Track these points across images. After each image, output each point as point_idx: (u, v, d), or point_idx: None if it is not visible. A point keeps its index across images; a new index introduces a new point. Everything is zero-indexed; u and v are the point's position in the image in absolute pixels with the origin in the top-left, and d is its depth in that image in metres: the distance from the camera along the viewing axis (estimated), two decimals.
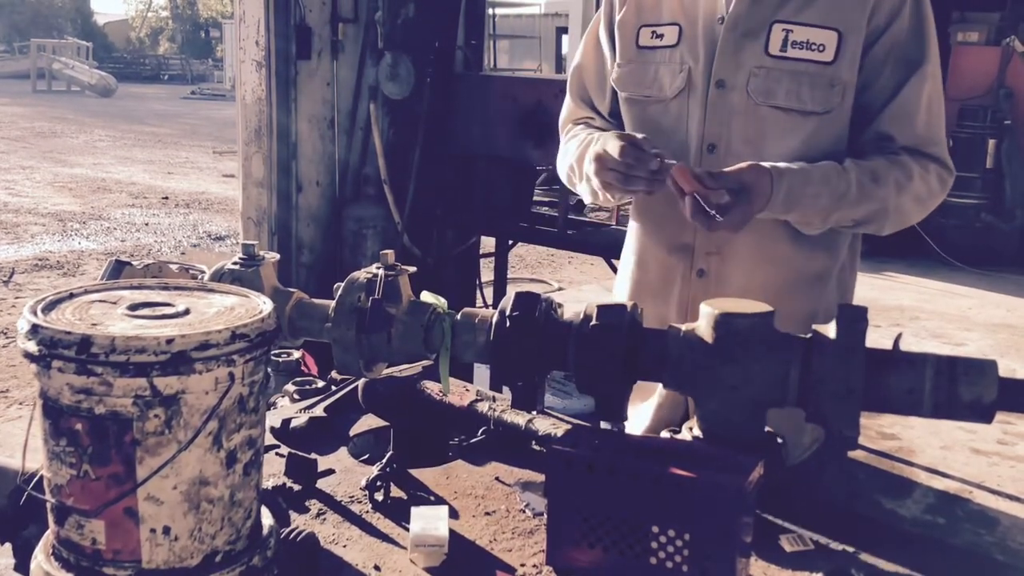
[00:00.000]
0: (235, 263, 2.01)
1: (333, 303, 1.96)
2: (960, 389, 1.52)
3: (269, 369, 3.00)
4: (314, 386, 2.38)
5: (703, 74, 1.76)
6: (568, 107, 2.07)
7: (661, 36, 1.82)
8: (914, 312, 5.00)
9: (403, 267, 2.01)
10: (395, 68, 4.67)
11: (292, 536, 1.35)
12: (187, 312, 1.08)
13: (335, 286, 2.01)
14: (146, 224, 7.88)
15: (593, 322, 1.71)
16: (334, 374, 2.40)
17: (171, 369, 0.98)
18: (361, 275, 1.97)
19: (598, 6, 2.04)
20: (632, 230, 2.03)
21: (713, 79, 1.75)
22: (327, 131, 4.85)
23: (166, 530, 1.01)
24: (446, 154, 4.74)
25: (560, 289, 4.91)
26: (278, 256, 2.12)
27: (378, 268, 1.98)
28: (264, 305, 1.12)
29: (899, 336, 1.60)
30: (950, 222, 6.81)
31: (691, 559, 1.40)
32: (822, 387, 1.53)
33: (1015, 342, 4.65)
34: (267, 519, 1.16)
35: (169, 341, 0.98)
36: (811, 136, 1.73)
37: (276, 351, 3.02)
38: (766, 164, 1.62)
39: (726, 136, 1.77)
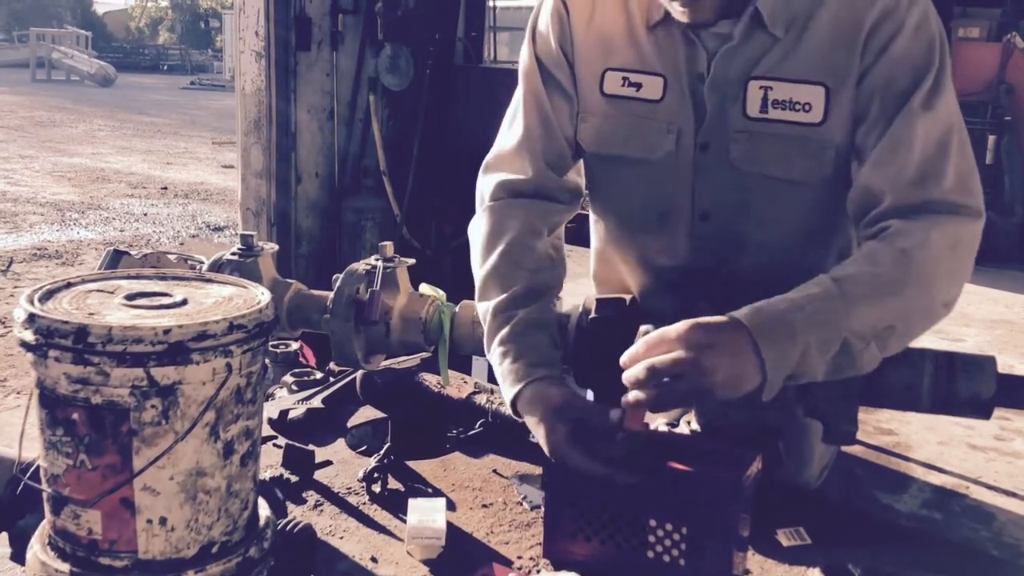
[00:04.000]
0: (234, 253, 2.01)
1: (332, 294, 1.96)
2: (958, 385, 1.52)
3: (267, 360, 3.01)
4: (312, 377, 2.38)
5: (690, 136, 1.55)
6: (508, 162, 1.69)
7: (639, 86, 1.56)
8: None
9: (402, 259, 2.01)
10: (395, 59, 4.66)
11: (289, 528, 1.35)
12: (185, 302, 1.08)
13: (334, 277, 2.01)
14: (145, 214, 7.87)
15: (592, 315, 1.71)
16: (332, 365, 2.40)
17: (168, 359, 0.98)
18: (360, 267, 1.97)
19: None
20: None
21: (698, 142, 1.55)
22: (326, 122, 4.84)
23: (163, 520, 1.01)
24: (445, 146, 4.74)
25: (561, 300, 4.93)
26: (277, 247, 2.12)
27: (377, 260, 1.98)
28: (262, 296, 1.12)
29: None
30: None
31: (688, 553, 1.40)
32: (821, 382, 1.53)
33: (1013, 338, 4.65)
34: (264, 510, 1.16)
35: (167, 331, 0.98)
36: (812, 206, 1.55)
37: (274, 342, 3.02)
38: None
39: (720, 204, 1.58)
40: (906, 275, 1.33)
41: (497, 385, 1.61)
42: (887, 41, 1.40)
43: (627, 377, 1.28)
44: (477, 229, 1.66)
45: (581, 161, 1.74)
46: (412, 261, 1.99)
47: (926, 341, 1.56)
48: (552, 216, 1.68)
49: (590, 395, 1.82)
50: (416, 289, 1.89)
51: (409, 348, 1.99)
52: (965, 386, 1.52)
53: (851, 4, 1.42)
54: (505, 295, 1.54)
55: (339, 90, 4.81)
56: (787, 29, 1.45)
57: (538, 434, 1.41)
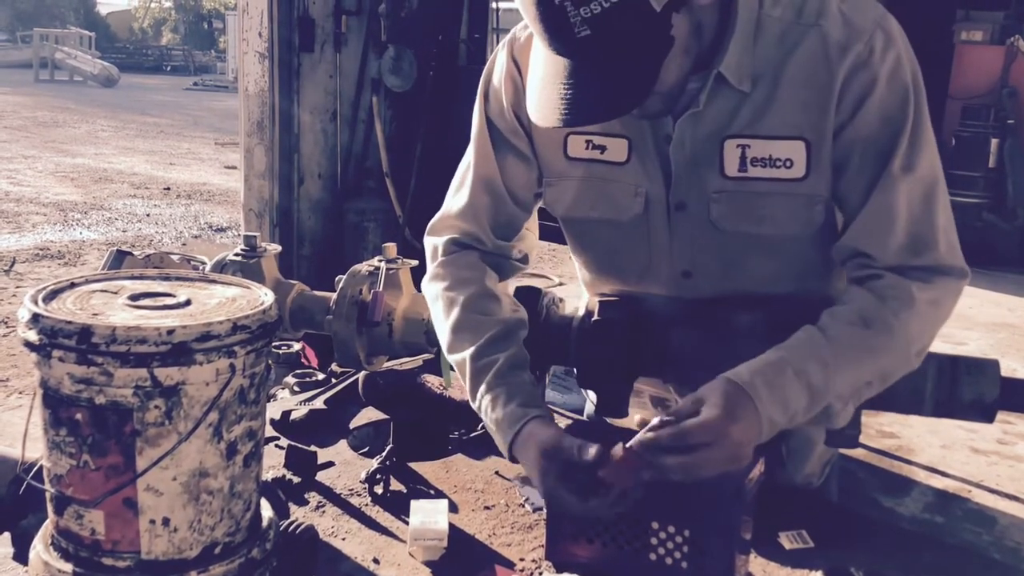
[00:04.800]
0: (237, 254, 2.01)
1: (334, 295, 1.96)
2: (962, 388, 1.52)
3: (270, 360, 3.01)
4: (314, 378, 2.38)
5: (662, 197, 1.50)
6: (455, 226, 1.65)
7: (603, 148, 1.51)
8: None
9: (404, 260, 2.01)
10: (398, 61, 4.66)
11: (291, 529, 1.35)
12: (188, 303, 1.08)
13: (336, 279, 2.01)
14: (147, 215, 7.88)
15: (595, 317, 1.71)
16: (334, 367, 2.40)
17: (172, 360, 0.98)
18: (363, 268, 1.97)
19: None
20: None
21: (672, 202, 1.50)
22: (329, 123, 4.84)
23: (165, 521, 1.01)
24: (448, 147, 4.74)
25: (561, 284, 4.91)
26: (280, 248, 2.12)
27: (380, 261, 1.98)
28: (265, 297, 1.12)
29: None
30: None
31: (690, 555, 1.40)
32: None
33: (1015, 341, 4.64)
34: (267, 511, 1.16)
35: (170, 332, 0.98)
36: (797, 257, 1.52)
37: (277, 343, 3.02)
38: (724, 379, 1.30)
39: (700, 261, 1.56)
40: (892, 338, 1.36)
41: None
42: (863, 94, 1.36)
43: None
44: (435, 284, 1.62)
45: (535, 215, 1.71)
46: (415, 263, 1.99)
47: (932, 346, 1.56)
48: (504, 269, 1.67)
49: (592, 396, 1.82)
50: (419, 290, 1.89)
51: (411, 349, 1.99)
52: (968, 390, 1.52)
53: (823, 54, 1.36)
54: (480, 342, 1.50)
55: (342, 91, 4.81)
56: (754, 83, 1.39)
57: (532, 475, 1.38)
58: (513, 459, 1.42)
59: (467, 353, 1.49)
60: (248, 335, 1.03)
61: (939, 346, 1.63)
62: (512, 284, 1.76)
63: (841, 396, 1.35)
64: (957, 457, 3.14)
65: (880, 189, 1.38)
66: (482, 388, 1.46)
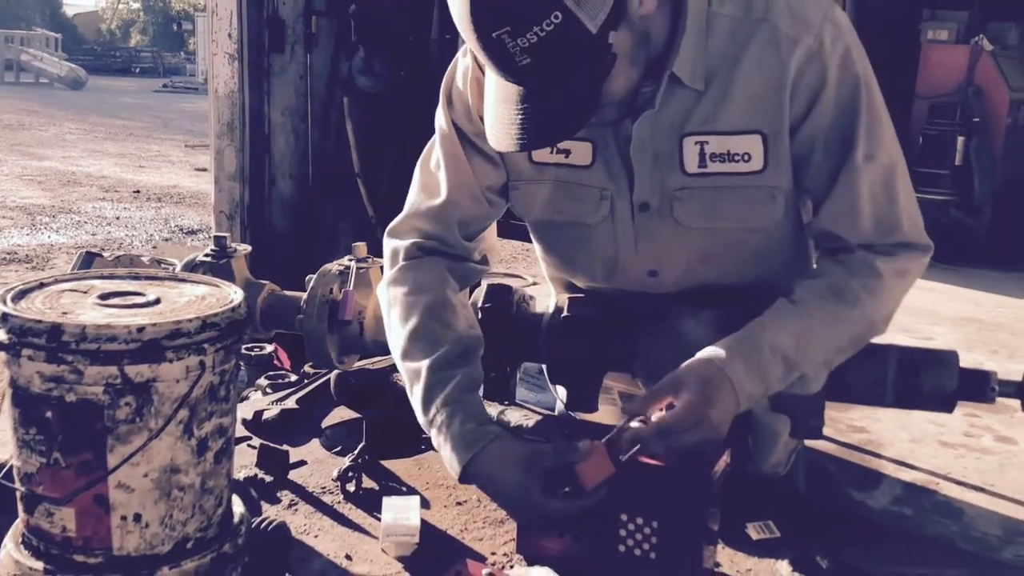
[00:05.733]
0: (207, 255, 2.01)
1: (305, 295, 1.97)
2: (922, 379, 1.56)
3: (241, 363, 3.01)
4: (287, 380, 2.38)
5: (626, 198, 1.53)
6: (419, 225, 1.65)
7: (568, 152, 1.52)
8: None
9: (375, 259, 2.02)
10: (369, 62, 4.66)
11: (263, 526, 1.36)
12: (158, 301, 1.09)
13: (307, 278, 2.02)
14: (117, 218, 7.82)
15: (564, 313, 1.73)
16: (307, 368, 2.40)
17: (142, 357, 0.98)
18: (333, 267, 1.98)
19: None
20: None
21: (636, 203, 1.53)
22: (300, 124, 4.84)
23: (137, 517, 1.01)
24: (421, 148, 4.74)
25: (535, 283, 4.92)
26: (250, 248, 2.13)
27: (350, 260, 1.99)
28: (235, 295, 1.13)
29: None
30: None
31: (658, 547, 1.42)
32: None
33: (982, 336, 4.71)
34: (238, 507, 1.17)
35: (140, 329, 0.98)
36: (760, 250, 1.55)
37: (248, 345, 3.02)
38: (703, 360, 1.36)
39: (666, 259, 1.59)
40: (861, 308, 1.44)
41: None
42: (816, 87, 1.40)
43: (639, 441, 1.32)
44: (393, 289, 1.60)
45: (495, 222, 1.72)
46: None
47: (897, 340, 1.60)
48: (464, 275, 1.66)
49: (562, 392, 1.84)
50: None
51: (383, 348, 1.99)
52: (928, 381, 1.56)
53: (774, 48, 1.39)
54: (439, 353, 1.49)
55: (313, 92, 4.80)
56: (708, 81, 1.42)
57: (501, 491, 1.40)
58: (464, 478, 1.42)
59: (423, 364, 1.49)
60: (217, 332, 1.04)
61: (907, 341, 1.66)
62: (484, 283, 1.77)
63: (815, 364, 1.43)
64: (925, 450, 3.19)
65: (844, 178, 1.43)
66: (438, 402, 1.46)
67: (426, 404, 1.48)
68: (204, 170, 9.74)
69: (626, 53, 1.29)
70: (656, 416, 1.34)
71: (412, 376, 1.51)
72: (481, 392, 1.54)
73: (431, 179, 1.64)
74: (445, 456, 1.44)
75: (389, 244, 1.67)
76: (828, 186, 1.45)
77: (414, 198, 1.67)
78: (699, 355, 1.37)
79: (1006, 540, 2.26)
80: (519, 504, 1.39)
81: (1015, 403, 1.61)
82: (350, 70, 4.72)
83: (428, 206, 1.64)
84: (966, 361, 1.61)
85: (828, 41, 1.39)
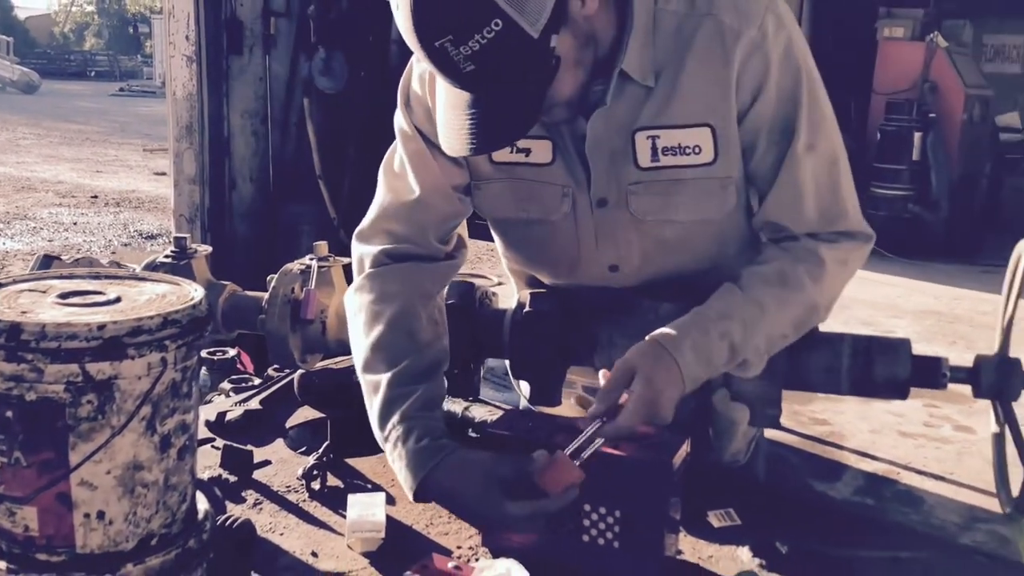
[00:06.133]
0: (167, 256, 2.01)
1: (267, 295, 1.97)
2: (876, 367, 1.59)
3: (204, 368, 2.99)
4: (250, 383, 2.37)
5: (585, 195, 1.56)
6: (388, 228, 1.65)
7: (528, 151, 1.55)
8: (844, 301, 5.13)
9: (336, 258, 2.03)
10: (328, 62, 4.66)
11: (228, 523, 1.36)
12: (118, 300, 1.09)
13: (268, 278, 2.01)
14: (74, 223, 7.72)
15: (526, 309, 1.75)
16: (271, 371, 2.39)
17: (103, 355, 0.98)
18: (294, 266, 1.98)
19: None
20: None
21: (594, 199, 1.56)
22: (260, 126, 4.82)
23: (100, 515, 1.01)
24: (382, 149, 4.74)
25: (500, 284, 4.96)
26: (210, 249, 2.12)
27: (311, 259, 1.99)
28: (196, 292, 1.13)
29: None
30: (879, 213, 7.00)
31: (622, 535, 1.44)
32: None
33: (942, 328, 4.81)
34: (203, 504, 1.17)
35: (101, 327, 0.99)
36: (716, 240, 1.60)
37: (211, 349, 3.01)
38: (653, 343, 1.41)
39: (625, 254, 1.62)
40: (805, 295, 1.49)
41: None
42: (760, 77, 1.44)
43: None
44: (360, 296, 1.61)
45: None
46: (347, 260, 2.01)
47: (858, 331, 1.63)
48: (438, 277, 1.67)
49: (525, 386, 1.86)
50: None
51: (346, 347, 2.00)
52: (882, 369, 1.60)
53: (719, 41, 1.43)
54: (400, 367, 1.50)
55: (273, 94, 4.79)
56: (657, 77, 1.45)
57: (460, 502, 1.42)
58: (420, 495, 1.44)
59: (383, 377, 1.50)
60: (179, 329, 1.04)
61: (862, 331, 1.70)
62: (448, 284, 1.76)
63: (758, 350, 1.48)
64: (886, 441, 3.25)
65: (787, 168, 1.48)
66: (396, 417, 1.46)
67: (383, 419, 1.48)
68: (163, 174, 9.65)
69: (570, 56, 1.32)
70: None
71: (371, 389, 1.51)
72: (443, 406, 1.55)
73: (398, 181, 1.64)
74: (399, 473, 1.45)
75: (357, 250, 1.67)
76: (772, 175, 1.50)
77: (383, 200, 1.67)
78: (649, 338, 1.41)
79: (965, 527, 2.32)
80: (481, 514, 1.40)
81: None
82: (309, 71, 4.72)
83: (399, 207, 1.64)
84: (926, 353, 1.65)
85: (771, 32, 1.42)
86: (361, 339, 1.56)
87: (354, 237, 1.69)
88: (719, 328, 1.42)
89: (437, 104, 1.40)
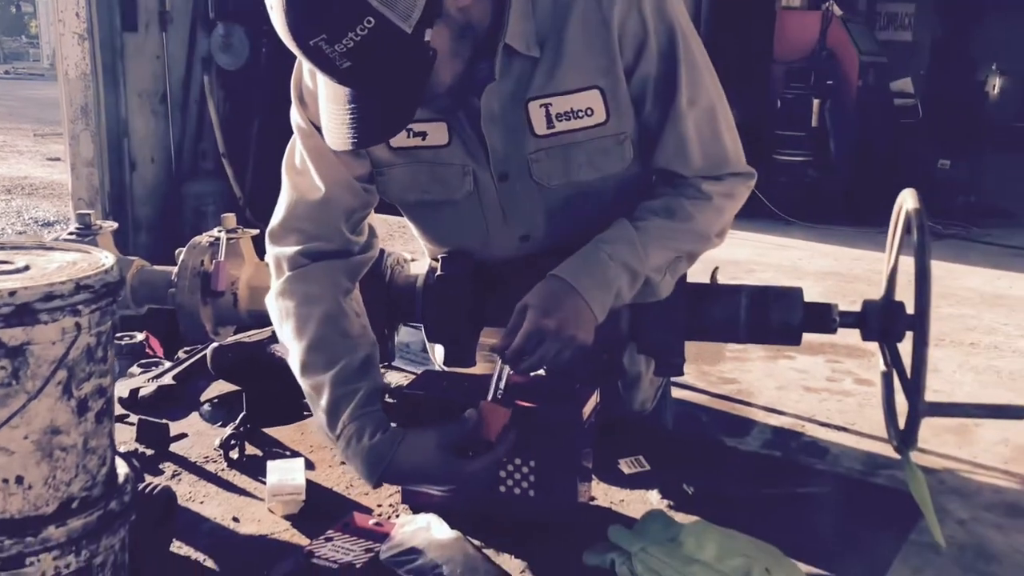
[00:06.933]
0: (71, 233, 1.98)
1: (176, 268, 1.96)
2: (771, 314, 1.68)
3: (111, 351, 2.93)
4: (160, 367, 2.35)
5: (487, 171, 1.59)
6: (300, 227, 1.64)
7: (424, 135, 1.57)
8: (750, 265, 5.32)
9: (245, 230, 2.03)
10: (228, 38, 4.58)
11: (147, 490, 1.37)
12: (27, 268, 1.08)
13: (176, 251, 2.01)
14: None
15: (438, 273, 1.78)
16: (181, 353, 2.38)
17: (15, 320, 0.98)
18: (203, 239, 1.98)
19: None
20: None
21: (495, 174, 1.60)
22: (159, 106, 4.72)
23: (19, 479, 1.02)
24: (286, 124, 4.69)
25: (413, 260, 4.98)
26: (116, 225, 2.10)
27: (219, 231, 1.99)
28: (106, 259, 1.13)
29: (715, 270, 1.75)
30: (781, 179, 7.21)
31: (536, 485, 1.50)
32: (650, 320, 1.66)
33: (841, 288, 5.02)
34: (123, 468, 1.18)
35: (12, 293, 0.98)
36: (620, 195, 1.63)
37: (119, 334, 2.95)
38: (546, 279, 1.49)
39: (534, 222, 1.66)
40: (693, 223, 1.57)
41: None
42: (639, 37, 1.50)
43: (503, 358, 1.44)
44: (283, 302, 1.61)
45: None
46: (255, 231, 2.01)
47: None
48: (356, 270, 1.68)
49: (440, 349, 1.90)
50: (262, 259, 1.91)
51: (258, 318, 2.01)
52: (776, 315, 1.68)
53: (595, 6, 1.47)
54: (339, 367, 1.52)
55: (171, 72, 4.69)
56: (542, 47, 1.49)
57: (425, 475, 1.46)
58: (381, 482, 1.48)
59: (326, 377, 1.51)
60: (92, 295, 1.04)
61: None
62: None
63: (658, 269, 1.55)
64: (791, 396, 3.40)
65: (671, 123, 1.55)
66: (345, 416, 1.49)
67: (331, 419, 1.50)
68: (57, 159, 9.33)
69: (447, 47, 1.36)
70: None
71: (314, 391, 1.53)
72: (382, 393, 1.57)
73: (301, 179, 1.64)
74: (357, 468, 1.48)
75: (271, 251, 1.66)
76: (659, 131, 1.57)
77: (289, 199, 1.66)
78: (545, 277, 1.49)
79: (868, 473, 2.45)
80: (445, 479, 1.45)
81: (873, 345, 1.75)
82: (209, 48, 4.63)
83: (306, 205, 1.63)
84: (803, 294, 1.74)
85: None
86: (295, 344, 1.57)
87: (267, 237, 1.68)
88: (607, 250, 1.50)
89: (320, 98, 1.42)
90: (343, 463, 1.75)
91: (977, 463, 2.64)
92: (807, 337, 1.70)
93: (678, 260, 1.58)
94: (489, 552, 1.44)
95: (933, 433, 2.74)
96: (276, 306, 1.62)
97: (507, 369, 1.44)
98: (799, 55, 7.71)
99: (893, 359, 1.69)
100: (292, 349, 1.57)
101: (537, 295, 1.47)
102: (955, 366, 3.63)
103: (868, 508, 1.67)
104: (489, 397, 1.43)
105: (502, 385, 1.43)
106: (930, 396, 1.51)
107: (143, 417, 1.85)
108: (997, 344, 3.93)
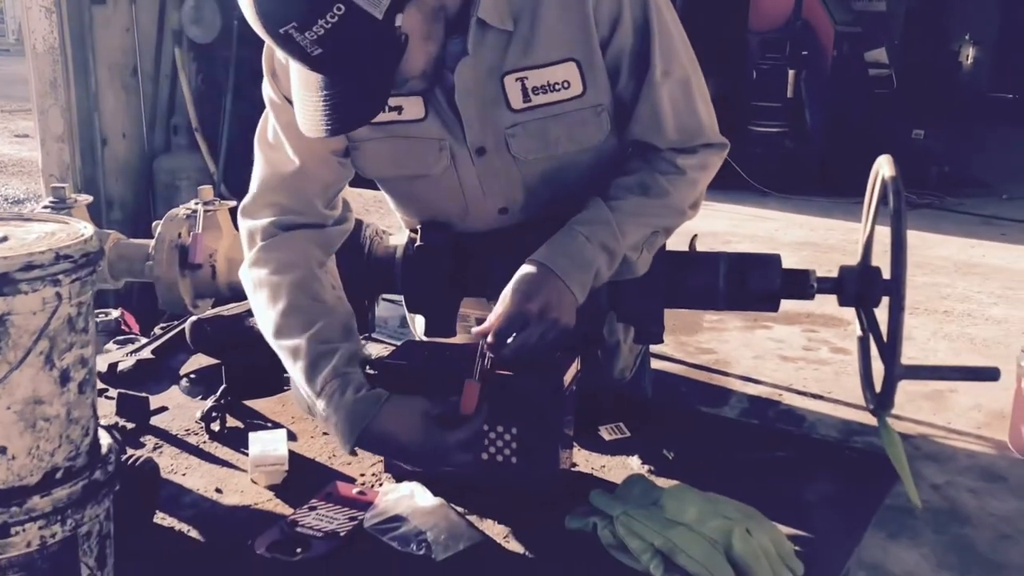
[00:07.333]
0: (46, 207, 1.96)
1: (153, 241, 1.95)
2: (749, 281, 1.69)
3: (92, 321, 2.91)
4: (136, 344, 2.34)
5: (463, 145, 1.58)
6: (273, 200, 1.62)
7: (399, 109, 1.56)
8: (727, 236, 5.34)
9: (222, 201, 2.02)
10: (199, 10, 4.52)
11: (131, 462, 1.37)
12: (5, 239, 1.08)
13: (153, 224, 1.99)
14: None
15: (417, 243, 1.78)
16: (157, 330, 2.36)
17: None
18: (180, 211, 1.96)
19: None
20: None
21: (472, 148, 1.59)
22: (130, 79, 4.65)
23: (2, 450, 1.01)
24: (259, 97, 4.65)
25: (389, 235, 4.97)
26: (91, 198, 2.08)
27: (196, 203, 1.98)
28: (85, 229, 1.13)
29: (694, 238, 1.76)
30: (756, 150, 7.20)
31: (519, 452, 1.51)
32: (629, 289, 1.67)
33: (816, 258, 5.04)
34: (106, 438, 1.18)
35: None
36: (599, 162, 1.64)
37: (95, 310, 2.93)
38: (526, 264, 1.49)
39: (512, 196, 1.66)
40: (668, 199, 1.58)
41: None
42: (615, 11, 1.49)
43: (485, 344, 1.43)
44: (256, 271, 1.59)
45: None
46: (233, 203, 2.00)
47: None
48: (330, 242, 1.67)
49: (420, 320, 1.90)
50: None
51: (237, 290, 1.99)
52: (755, 282, 1.69)
53: None
54: (316, 328, 1.50)
55: (141, 45, 4.62)
56: (516, 21, 1.48)
57: (404, 444, 1.43)
58: (363, 442, 1.44)
59: (302, 339, 1.49)
60: (72, 264, 1.04)
61: None
62: None
63: (635, 247, 1.56)
64: (768, 365, 3.42)
65: (645, 95, 1.55)
66: (327, 372, 1.46)
67: (311, 376, 1.48)
68: (26, 136, 9.20)
69: (419, 31, 1.35)
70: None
71: (291, 352, 1.51)
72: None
73: (275, 152, 1.63)
74: (337, 426, 1.45)
75: (244, 225, 1.65)
76: (633, 102, 1.57)
77: (263, 173, 1.65)
78: (525, 262, 1.49)
79: (843, 440, 2.48)
80: (424, 450, 1.43)
81: (849, 314, 1.76)
82: (180, 20, 4.56)
83: (280, 179, 1.62)
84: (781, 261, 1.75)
85: None
86: (267, 310, 1.55)
87: (240, 213, 1.66)
88: (584, 232, 1.51)
89: (292, 84, 1.41)
90: (325, 433, 1.75)
91: (952, 428, 2.67)
92: (784, 307, 1.72)
93: (655, 235, 1.59)
94: (472, 518, 1.45)
95: (908, 399, 2.78)
96: (249, 276, 1.60)
97: (489, 355, 1.42)
98: (774, 25, 7.67)
99: (870, 324, 1.71)
100: (266, 316, 1.56)
101: (517, 281, 1.46)
102: (929, 334, 3.67)
103: (844, 472, 1.69)
104: (476, 376, 1.42)
105: (479, 367, 1.42)
106: (905, 363, 1.53)
107: (123, 391, 1.84)
108: (970, 312, 3.98)
